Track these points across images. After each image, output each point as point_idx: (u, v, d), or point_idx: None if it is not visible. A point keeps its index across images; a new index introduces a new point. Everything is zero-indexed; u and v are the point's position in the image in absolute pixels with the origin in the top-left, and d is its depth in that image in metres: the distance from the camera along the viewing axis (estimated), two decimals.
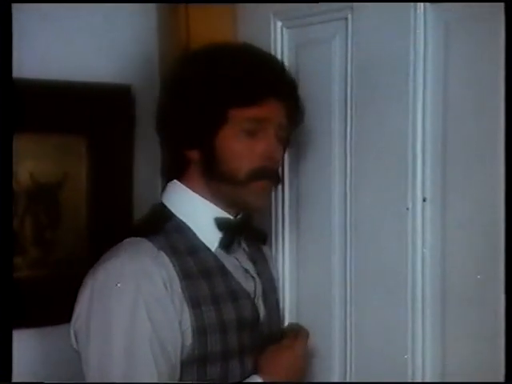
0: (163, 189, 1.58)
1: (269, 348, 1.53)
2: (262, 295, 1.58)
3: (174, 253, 1.45)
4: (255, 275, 1.58)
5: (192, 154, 1.50)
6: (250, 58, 1.51)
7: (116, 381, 1.37)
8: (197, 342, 1.42)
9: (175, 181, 1.54)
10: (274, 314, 1.64)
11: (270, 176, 1.51)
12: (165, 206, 1.53)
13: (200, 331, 1.43)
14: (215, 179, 1.49)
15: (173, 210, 1.52)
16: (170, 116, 1.52)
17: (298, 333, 1.58)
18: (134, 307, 1.38)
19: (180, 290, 1.42)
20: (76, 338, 1.43)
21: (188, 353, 1.42)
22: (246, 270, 1.56)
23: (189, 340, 1.42)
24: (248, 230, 1.59)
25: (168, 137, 1.54)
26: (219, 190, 1.50)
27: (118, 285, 1.39)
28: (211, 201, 1.52)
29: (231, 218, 1.53)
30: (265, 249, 1.70)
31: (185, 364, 1.43)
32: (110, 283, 1.40)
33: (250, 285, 1.56)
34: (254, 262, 1.61)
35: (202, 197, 1.52)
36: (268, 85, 1.47)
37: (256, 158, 1.47)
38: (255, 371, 1.50)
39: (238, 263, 1.55)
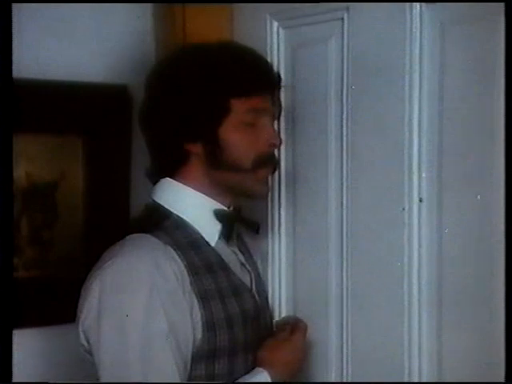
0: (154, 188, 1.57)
1: (268, 342, 1.53)
2: (256, 288, 1.59)
3: (179, 248, 1.44)
4: (250, 268, 1.59)
5: (194, 147, 1.50)
6: (243, 52, 1.53)
7: (134, 376, 1.36)
8: (206, 337, 1.42)
9: (167, 178, 1.53)
10: (266, 306, 1.64)
11: (272, 162, 1.54)
12: (160, 205, 1.53)
13: (209, 326, 1.43)
14: (219, 170, 1.49)
15: (169, 207, 1.52)
16: (169, 110, 1.50)
17: (295, 325, 1.58)
18: (149, 302, 1.37)
19: (189, 284, 1.42)
20: (86, 337, 1.41)
21: (198, 347, 1.42)
22: (243, 264, 1.57)
23: (199, 334, 1.42)
24: (242, 221, 1.60)
25: (165, 132, 1.52)
26: (223, 181, 1.50)
27: (131, 280, 1.38)
28: (207, 194, 1.52)
29: (227, 209, 1.54)
30: (249, 241, 1.69)
31: (194, 359, 1.42)
32: (121, 279, 1.39)
33: (247, 278, 1.56)
34: (244, 255, 1.61)
35: (198, 191, 1.52)
36: (265, 76, 1.51)
37: (260, 145, 1.50)
38: (257, 365, 1.50)
39: (235, 257, 1.56)
